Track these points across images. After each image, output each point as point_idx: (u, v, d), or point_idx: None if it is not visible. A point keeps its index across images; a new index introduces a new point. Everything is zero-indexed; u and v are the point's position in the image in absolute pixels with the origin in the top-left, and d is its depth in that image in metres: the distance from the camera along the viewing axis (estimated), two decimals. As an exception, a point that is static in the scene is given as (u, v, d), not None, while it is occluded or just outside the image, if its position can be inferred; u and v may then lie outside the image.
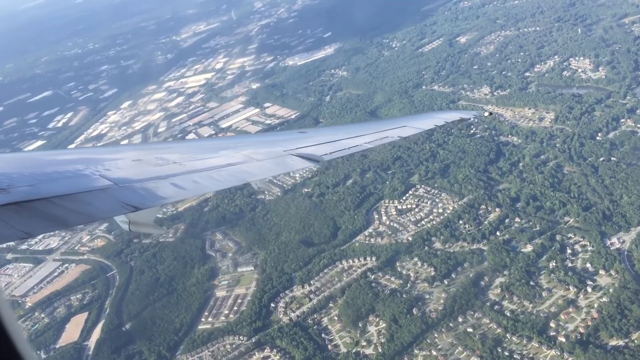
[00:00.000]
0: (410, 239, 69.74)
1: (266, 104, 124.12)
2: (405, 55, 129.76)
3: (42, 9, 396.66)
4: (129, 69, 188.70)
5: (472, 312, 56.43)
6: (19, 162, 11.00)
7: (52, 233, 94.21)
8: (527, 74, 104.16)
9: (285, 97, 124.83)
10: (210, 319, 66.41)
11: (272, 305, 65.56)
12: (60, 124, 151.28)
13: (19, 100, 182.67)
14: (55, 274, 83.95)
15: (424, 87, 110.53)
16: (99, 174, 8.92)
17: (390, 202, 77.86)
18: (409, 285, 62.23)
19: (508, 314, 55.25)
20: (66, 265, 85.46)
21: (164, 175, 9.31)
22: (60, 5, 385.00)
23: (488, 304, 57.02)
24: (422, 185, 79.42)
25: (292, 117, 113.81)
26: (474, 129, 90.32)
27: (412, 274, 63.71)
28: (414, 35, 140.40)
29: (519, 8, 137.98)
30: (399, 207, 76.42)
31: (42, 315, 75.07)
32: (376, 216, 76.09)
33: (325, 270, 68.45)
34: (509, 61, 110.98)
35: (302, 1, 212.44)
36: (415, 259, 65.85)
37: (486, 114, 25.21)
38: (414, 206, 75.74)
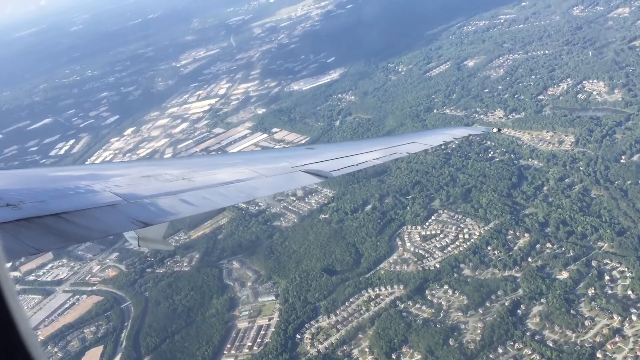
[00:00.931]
0: (437, 265, 67.77)
1: (274, 129, 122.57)
2: (413, 79, 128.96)
3: (36, 37, 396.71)
4: (130, 96, 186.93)
5: (512, 343, 54.33)
6: (29, 178, 11.11)
7: (61, 264, 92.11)
8: (541, 96, 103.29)
9: (293, 122, 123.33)
10: (233, 352, 63.96)
11: (298, 336, 63.22)
12: (62, 152, 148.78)
13: (18, 128, 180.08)
14: (67, 305, 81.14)
15: (435, 110, 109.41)
16: (109, 190, 9.03)
17: (413, 228, 76.00)
18: (441, 315, 60.12)
19: (551, 344, 53.19)
20: (77, 296, 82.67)
21: (172, 191, 9.41)
22: (54, 33, 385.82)
23: (528, 333, 54.97)
24: (445, 211, 77.67)
25: (302, 141, 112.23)
26: (491, 152, 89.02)
27: (444, 303, 61.65)
28: (420, 59, 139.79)
29: (525, 32, 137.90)
30: (423, 233, 74.54)
31: (55, 350, 72.07)
32: (399, 243, 74.16)
33: (350, 300, 66.26)
34: (520, 84, 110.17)
35: (302, 27, 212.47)
36: (446, 286, 63.83)
37: (495, 130, 25.05)
38: (438, 232, 73.87)
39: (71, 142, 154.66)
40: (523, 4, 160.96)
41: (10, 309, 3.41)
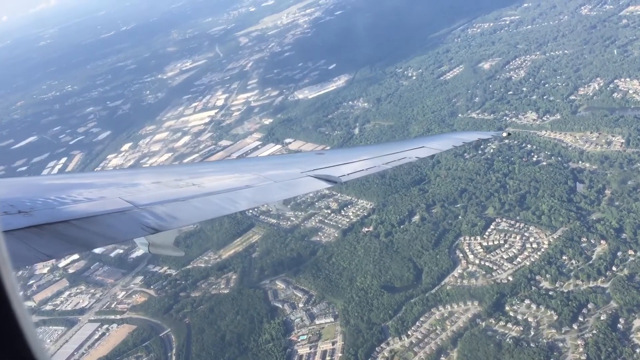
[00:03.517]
0: (510, 278, 63.21)
1: (287, 140, 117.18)
2: (427, 83, 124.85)
3: (3, 53, 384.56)
4: (119, 110, 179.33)
5: (624, 361, 50.06)
6: (40, 186, 11.08)
7: (79, 290, 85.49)
8: (572, 97, 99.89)
9: (307, 132, 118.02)
10: (300, 381, 58.70)
11: (371, 361, 58.22)
12: (55, 170, 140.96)
13: (1, 148, 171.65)
14: (96, 336, 74.43)
15: (460, 115, 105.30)
16: (119, 197, 9.03)
17: (472, 238, 71.39)
18: (532, 332, 55.47)
19: (670, 362, 49.05)
20: (106, 326, 75.93)
21: (183, 197, 9.46)
22: (23, 49, 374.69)
23: (638, 350, 50.67)
24: (503, 219, 73.30)
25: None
26: (535, 155, 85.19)
27: (530, 319, 56.99)
28: (430, 63, 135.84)
29: (535, 32, 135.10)
30: (485, 243, 69.94)
31: (96, 387, 65.94)
32: (460, 255, 69.45)
33: (421, 319, 61.30)
34: (546, 85, 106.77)
35: (293, 35, 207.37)
36: (527, 301, 59.22)
37: (504, 134, 22.70)
38: (501, 242, 69.33)
39: (63, 160, 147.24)
40: (525, 5, 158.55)
41: (17, 317, 3.31)
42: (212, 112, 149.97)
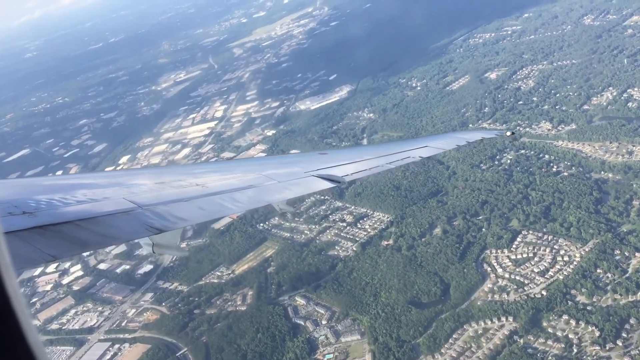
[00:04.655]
0: (544, 293, 61.26)
1: (293, 151, 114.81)
2: (433, 94, 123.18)
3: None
4: (114, 122, 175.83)
5: (677, 379, 48.14)
6: (44, 186, 11.03)
7: (86, 308, 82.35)
8: (586, 107, 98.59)
9: (312, 143, 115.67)
10: (332, 403, 56.15)
11: (404, 380, 55.86)
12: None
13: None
14: (108, 356, 71.58)
15: (471, 125, 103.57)
16: (123, 197, 9.00)
17: (499, 251, 69.39)
18: (575, 350, 53.49)
19: None
20: (117, 345, 72.99)
21: (186, 197, 9.43)
22: (9, 61, 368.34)
23: (690, 367, 48.85)
24: (529, 231, 71.40)
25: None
26: (554, 166, 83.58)
27: (571, 335, 55.01)
28: (434, 73, 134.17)
29: (540, 42, 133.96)
30: (513, 257, 67.98)
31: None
32: (488, 269, 67.39)
33: (454, 336, 59.15)
34: (557, 95, 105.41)
35: (288, 45, 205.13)
36: (565, 316, 57.27)
37: (508, 133, 23.60)
38: (530, 255, 67.41)
39: (59, 173, 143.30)
40: (525, 15, 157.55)
41: (18, 319, 3.25)
42: (212, 124, 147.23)
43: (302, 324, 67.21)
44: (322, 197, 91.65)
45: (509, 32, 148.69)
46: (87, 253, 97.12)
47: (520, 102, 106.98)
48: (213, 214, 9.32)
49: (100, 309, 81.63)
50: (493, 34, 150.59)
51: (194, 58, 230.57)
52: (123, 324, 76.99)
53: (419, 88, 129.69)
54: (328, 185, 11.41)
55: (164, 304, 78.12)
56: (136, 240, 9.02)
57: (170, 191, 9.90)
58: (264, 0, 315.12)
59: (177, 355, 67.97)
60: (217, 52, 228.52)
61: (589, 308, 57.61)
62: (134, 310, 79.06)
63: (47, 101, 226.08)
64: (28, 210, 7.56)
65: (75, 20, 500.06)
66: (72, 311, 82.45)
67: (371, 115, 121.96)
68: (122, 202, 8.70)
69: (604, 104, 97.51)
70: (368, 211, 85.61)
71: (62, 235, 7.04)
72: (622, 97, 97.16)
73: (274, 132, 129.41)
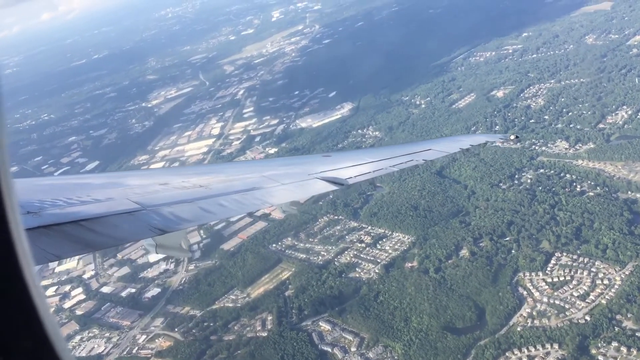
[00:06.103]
0: (588, 318, 58.77)
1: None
2: (440, 112, 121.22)
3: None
4: (104, 139, 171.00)
5: None
6: (48, 187, 11.01)
7: (92, 334, 78.08)
8: (601, 125, 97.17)
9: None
10: None
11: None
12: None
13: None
14: (120, 387, 67.61)
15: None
16: (127, 198, 8.96)
17: (534, 274, 66.87)
18: (631, 379, 50.98)
19: None
20: (130, 374, 69.15)
21: (190, 199, 9.37)
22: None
23: None
24: (563, 253, 69.01)
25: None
26: (578, 186, 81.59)
27: (624, 364, 52.53)
28: (438, 91, 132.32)
29: (544, 61, 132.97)
30: (548, 280, 65.51)
31: None
32: (524, 292, 64.78)
33: (498, 364, 56.35)
34: (569, 113, 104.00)
35: (282, 63, 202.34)
36: (614, 343, 54.73)
37: (512, 137, 23.27)
38: (567, 278, 64.97)
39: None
40: (525, 34, 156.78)
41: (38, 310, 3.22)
42: (209, 141, 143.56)
43: (330, 350, 63.97)
44: (336, 217, 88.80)
45: (510, 51, 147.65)
46: (88, 275, 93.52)
47: (532, 121, 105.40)
48: (217, 216, 9.38)
49: (107, 334, 77.42)
50: (494, 53, 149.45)
51: (183, 75, 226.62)
52: (134, 351, 73.00)
53: (423, 106, 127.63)
54: (332, 187, 11.34)
55: (176, 329, 74.21)
56: (139, 241, 9.05)
57: (174, 192, 9.84)
58: (252, 17, 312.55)
59: (197, 385, 64.20)
60: (207, 69, 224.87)
61: (638, 334, 55.11)
62: (144, 337, 75.00)
63: (32, 118, 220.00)
64: (32, 210, 7.53)
65: (56, 36, 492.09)
66: (77, 337, 78.10)
67: (377, 133, 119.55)
68: (125, 202, 8.68)
69: (620, 122, 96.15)
70: (386, 232, 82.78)
71: (66, 235, 7.05)
72: (639, 116, 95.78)
73: (276, 149, 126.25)
